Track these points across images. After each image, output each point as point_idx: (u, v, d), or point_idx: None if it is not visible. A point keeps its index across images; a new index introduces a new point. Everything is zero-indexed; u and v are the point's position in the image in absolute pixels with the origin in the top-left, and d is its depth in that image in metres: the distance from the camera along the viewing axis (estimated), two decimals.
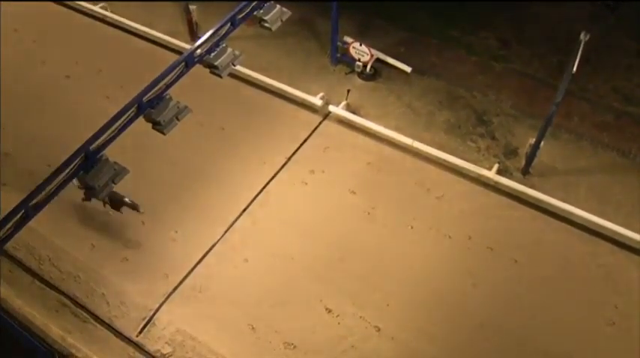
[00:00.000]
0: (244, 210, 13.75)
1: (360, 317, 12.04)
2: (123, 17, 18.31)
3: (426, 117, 15.56)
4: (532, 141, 13.59)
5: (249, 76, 16.26)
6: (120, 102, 9.86)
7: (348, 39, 16.63)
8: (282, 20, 11.91)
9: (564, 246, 12.92)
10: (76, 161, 9.33)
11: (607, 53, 16.12)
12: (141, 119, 10.15)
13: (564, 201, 13.37)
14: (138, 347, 12.00)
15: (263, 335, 11.93)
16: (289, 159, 14.65)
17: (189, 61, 10.65)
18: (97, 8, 18.70)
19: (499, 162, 14.39)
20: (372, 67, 16.38)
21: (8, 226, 9.00)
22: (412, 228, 13.36)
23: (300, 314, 12.16)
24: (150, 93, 10.07)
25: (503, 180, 13.91)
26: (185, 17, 17.68)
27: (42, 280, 13.00)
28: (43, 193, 9.10)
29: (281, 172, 14.41)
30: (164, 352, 11.87)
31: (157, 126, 10.31)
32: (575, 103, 15.25)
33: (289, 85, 16.00)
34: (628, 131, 14.89)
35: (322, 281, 12.57)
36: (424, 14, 17.80)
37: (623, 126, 15.02)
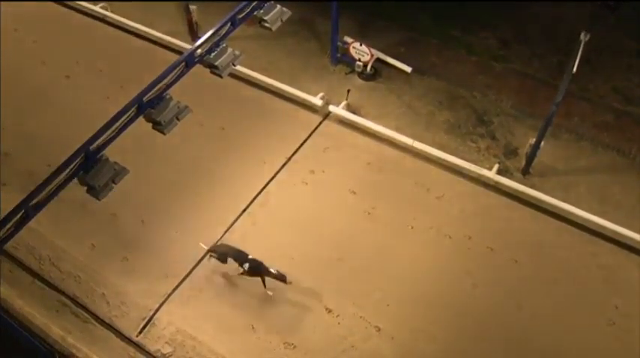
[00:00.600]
0: (244, 210, 13.75)
1: (360, 317, 12.04)
2: (123, 17, 18.33)
3: (426, 117, 15.56)
4: (532, 141, 13.59)
5: (249, 76, 16.27)
6: (120, 102, 9.85)
7: (349, 39, 16.63)
8: (282, 20, 11.90)
9: (564, 246, 12.92)
10: (76, 161, 9.33)
11: (607, 53, 16.13)
12: (141, 119, 10.14)
13: (564, 201, 13.38)
14: (138, 347, 12.00)
15: (263, 335, 11.94)
16: (289, 159, 14.66)
17: (189, 61, 10.65)
18: (97, 8, 18.71)
19: (499, 162, 14.39)
20: (372, 66, 16.38)
21: (8, 226, 8.99)
22: (412, 228, 13.36)
23: (300, 314, 12.17)
24: (150, 93, 10.07)
25: (504, 180, 13.91)
26: (185, 17, 17.68)
27: (42, 280, 13.00)
28: (44, 193, 9.09)
29: (281, 172, 14.42)
30: (164, 352, 11.87)
31: (157, 126, 10.30)
32: (576, 103, 15.25)
33: (289, 85, 16.01)
34: (628, 131, 14.89)
35: (322, 281, 12.57)
36: (424, 14, 17.80)
37: (623, 126, 15.02)
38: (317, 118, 15.49)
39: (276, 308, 12.26)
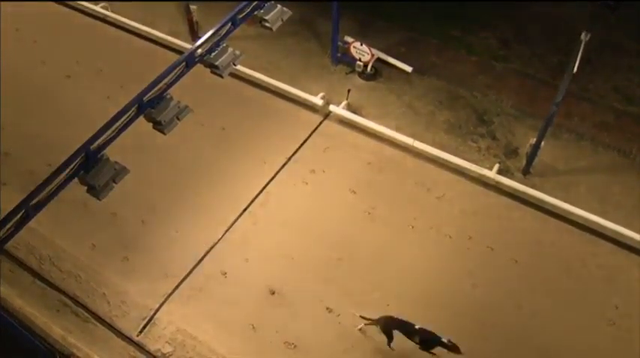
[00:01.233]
0: (245, 209, 13.76)
1: (361, 316, 12.04)
2: (123, 17, 18.34)
3: (426, 117, 15.56)
4: (533, 141, 13.58)
5: (249, 75, 16.28)
6: (120, 101, 9.85)
7: (349, 39, 16.63)
8: (282, 20, 11.90)
9: (565, 246, 12.92)
10: (77, 161, 9.32)
11: (608, 53, 16.13)
12: (141, 119, 10.15)
13: (565, 200, 13.38)
14: (138, 346, 12.01)
15: (264, 335, 11.94)
16: (290, 158, 14.66)
17: (189, 60, 10.65)
18: (97, 8, 18.72)
19: (500, 162, 14.39)
20: (372, 66, 16.38)
21: (9, 226, 8.99)
22: (412, 227, 13.36)
23: (300, 314, 12.17)
24: (150, 93, 10.06)
25: (504, 180, 13.92)
26: (186, 17, 17.68)
27: (43, 280, 13.01)
28: (44, 193, 9.09)
29: (281, 172, 14.42)
30: (164, 351, 11.88)
31: (157, 125, 10.30)
32: (576, 103, 15.24)
33: (290, 84, 16.01)
34: (628, 131, 14.88)
35: (323, 280, 12.57)
36: (425, 14, 17.79)
37: (623, 126, 15.01)
38: (317, 118, 15.50)
39: (276, 308, 12.27)
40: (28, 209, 9.05)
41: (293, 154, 14.72)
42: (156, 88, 10.11)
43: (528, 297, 12.22)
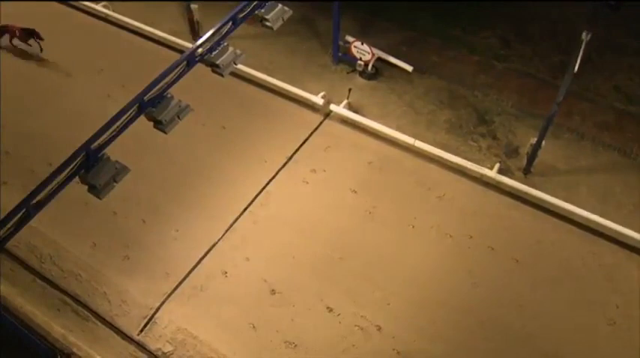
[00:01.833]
0: (245, 209, 13.76)
1: (361, 316, 12.04)
2: (124, 16, 18.34)
3: (427, 116, 15.56)
4: (533, 140, 13.58)
5: (250, 75, 16.28)
6: (121, 101, 9.86)
7: (350, 38, 16.62)
8: (283, 19, 11.91)
9: (565, 246, 12.91)
10: (78, 160, 9.34)
11: (609, 52, 16.12)
12: (142, 118, 10.16)
13: (565, 200, 13.36)
14: (139, 345, 12.03)
15: (264, 334, 11.94)
16: (290, 158, 14.66)
17: (190, 59, 10.66)
18: (98, 7, 18.73)
19: (500, 162, 14.38)
20: (373, 66, 16.38)
21: (9, 225, 9.01)
22: (413, 227, 13.36)
23: (300, 313, 12.17)
24: (151, 92, 10.08)
25: (505, 180, 13.91)
26: (187, 16, 17.69)
27: (43, 279, 13.02)
28: (45, 192, 9.11)
29: (282, 171, 14.42)
30: (165, 350, 11.89)
31: (158, 125, 10.32)
32: (577, 103, 15.24)
33: (291, 84, 16.01)
34: (629, 131, 14.88)
35: (323, 280, 12.57)
36: (426, 14, 17.80)
37: (624, 126, 15.01)
38: (318, 117, 15.49)
39: (276, 307, 12.27)
40: (28, 208, 9.07)
41: (293, 154, 14.72)
42: (157, 87, 10.13)
43: (529, 297, 12.21)
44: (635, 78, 15.91)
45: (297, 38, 17.61)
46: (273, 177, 14.30)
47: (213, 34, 10.95)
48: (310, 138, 15.05)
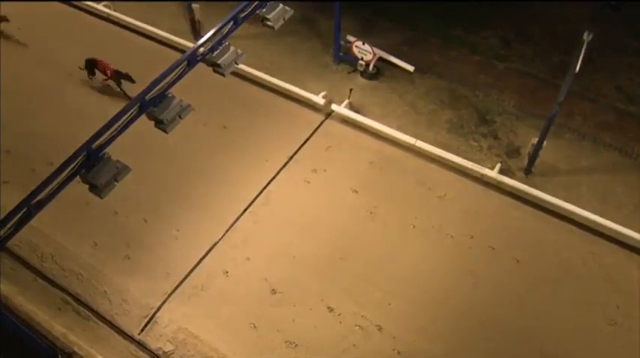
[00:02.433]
0: (246, 208, 13.76)
1: (362, 316, 12.05)
2: (126, 16, 18.35)
3: (428, 116, 15.56)
4: (534, 140, 13.57)
5: (251, 74, 16.28)
6: (122, 100, 9.87)
7: (351, 38, 16.61)
8: (284, 19, 11.92)
9: (566, 246, 12.91)
10: (79, 159, 9.35)
11: (610, 52, 16.10)
12: (143, 117, 10.16)
13: (566, 200, 13.36)
14: (140, 345, 12.03)
15: (264, 334, 11.95)
16: (291, 158, 14.66)
17: (191, 59, 10.66)
18: (100, 7, 18.74)
19: (501, 162, 14.38)
20: (374, 66, 16.38)
21: (10, 224, 9.02)
22: (414, 227, 13.36)
23: (301, 313, 12.17)
24: (152, 92, 10.09)
25: (506, 180, 13.90)
26: (188, 16, 17.70)
27: (44, 278, 13.03)
28: (45, 191, 9.11)
29: (283, 171, 14.42)
30: (166, 350, 11.89)
31: (159, 124, 10.33)
32: (578, 103, 15.23)
33: (292, 83, 16.00)
34: (630, 131, 14.87)
35: (324, 280, 12.58)
36: (427, 14, 17.79)
37: (625, 126, 15.00)
38: (319, 117, 15.49)
39: (277, 307, 12.28)
40: (29, 207, 9.08)
41: (294, 153, 14.72)
42: (158, 87, 10.13)
43: (529, 297, 12.21)
44: (636, 78, 15.90)
45: (299, 38, 17.61)
46: (274, 177, 14.30)
47: (214, 34, 10.96)
48: (311, 138, 15.05)
